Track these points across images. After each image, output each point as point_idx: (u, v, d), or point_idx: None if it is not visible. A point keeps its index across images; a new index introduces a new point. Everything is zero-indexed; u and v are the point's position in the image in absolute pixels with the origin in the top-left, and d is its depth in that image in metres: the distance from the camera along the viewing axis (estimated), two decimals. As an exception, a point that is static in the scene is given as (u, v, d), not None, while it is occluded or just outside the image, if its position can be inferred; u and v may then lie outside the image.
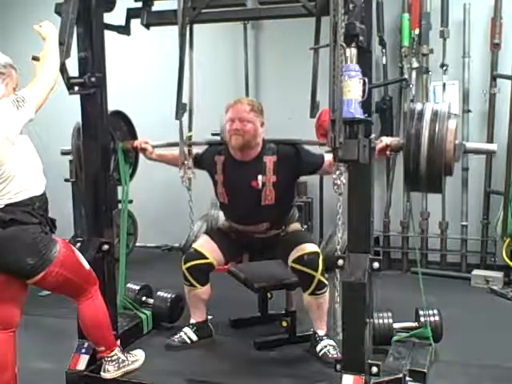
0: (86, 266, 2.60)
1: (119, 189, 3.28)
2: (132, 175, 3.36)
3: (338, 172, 2.34)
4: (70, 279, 2.50)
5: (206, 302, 3.23)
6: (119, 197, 3.33)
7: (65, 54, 2.55)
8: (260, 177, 2.96)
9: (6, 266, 2.37)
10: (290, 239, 3.08)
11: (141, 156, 3.32)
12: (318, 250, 2.99)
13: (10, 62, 2.40)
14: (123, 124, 3.26)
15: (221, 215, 3.87)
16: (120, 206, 3.35)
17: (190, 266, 3.09)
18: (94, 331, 2.69)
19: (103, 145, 2.94)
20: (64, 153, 3.40)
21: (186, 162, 3.06)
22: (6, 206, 2.31)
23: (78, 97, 2.81)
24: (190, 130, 3.10)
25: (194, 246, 3.17)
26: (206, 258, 3.09)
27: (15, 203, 2.31)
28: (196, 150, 3.18)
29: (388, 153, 2.58)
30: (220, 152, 3.11)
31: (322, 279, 2.93)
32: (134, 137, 3.31)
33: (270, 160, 2.99)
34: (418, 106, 2.44)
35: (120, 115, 3.24)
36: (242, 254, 3.37)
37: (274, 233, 3.13)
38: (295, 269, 2.96)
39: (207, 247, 3.13)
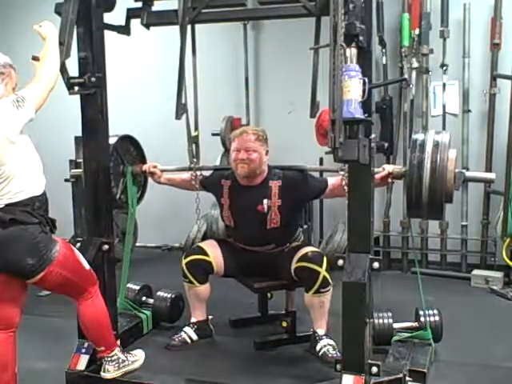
0: (86, 266, 2.60)
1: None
2: (140, 199, 3.38)
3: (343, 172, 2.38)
4: (70, 279, 2.50)
5: (205, 301, 3.23)
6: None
7: (65, 54, 2.55)
8: (266, 201, 3.00)
9: (6, 266, 2.37)
10: (292, 249, 3.10)
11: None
12: (321, 251, 3.06)
13: (10, 61, 2.40)
14: (132, 148, 3.29)
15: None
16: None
17: (190, 260, 3.10)
18: (93, 331, 2.69)
19: (103, 144, 2.94)
20: (73, 176, 3.39)
21: (194, 160, 3.11)
22: (6, 205, 2.30)
23: (78, 96, 2.81)
24: (195, 129, 3.12)
25: (199, 244, 3.19)
26: (207, 256, 3.10)
27: (15, 203, 2.31)
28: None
29: (390, 180, 2.68)
30: (227, 177, 3.14)
31: (327, 276, 2.92)
32: (143, 161, 3.34)
33: (275, 184, 3.03)
34: (420, 137, 2.53)
35: (129, 139, 3.27)
36: (240, 271, 3.22)
37: (278, 250, 3.15)
38: (300, 267, 2.95)
39: (211, 248, 3.15)
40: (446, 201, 2.50)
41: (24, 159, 2.34)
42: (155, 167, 3.22)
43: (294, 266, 2.98)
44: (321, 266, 2.90)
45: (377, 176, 2.60)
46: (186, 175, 3.25)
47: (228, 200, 3.11)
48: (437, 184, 2.43)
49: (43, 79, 2.36)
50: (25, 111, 2.27)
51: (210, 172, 3.28)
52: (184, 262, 3.12)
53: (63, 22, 2.61)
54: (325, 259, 2.93)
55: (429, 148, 2.47)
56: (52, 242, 2.43)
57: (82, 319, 2.67)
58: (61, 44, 2.52)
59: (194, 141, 3.11)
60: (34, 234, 2.35)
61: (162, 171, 3.24)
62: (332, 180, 3.02)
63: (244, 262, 3.16)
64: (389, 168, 2.63)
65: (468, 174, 2.67)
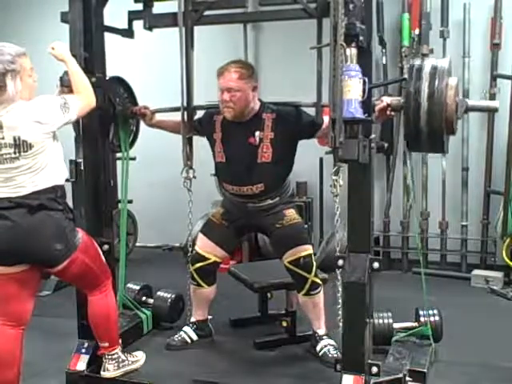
0: (103, 257, 2.68)
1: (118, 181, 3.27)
2: (132, 143, 3.31)
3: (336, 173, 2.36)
4: (91, 268, 2.56)
5: (209, 302, 3.25)
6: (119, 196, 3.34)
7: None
8: (258, 133, 2.90)
9: (34, 255, 2.38)
10: (286, 235, 3.02)
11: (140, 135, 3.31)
12: (312, 252, 3.01)
13: (18, 51, 2.39)
14: (123, 91, 3.18)
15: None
16: (120, 205, 3.35)
17: (198, 267, 3.13)
18: (101, 325, 2.70)
19: (103, 144, 2.94)
20: None
21: (188, 163, 3.07)
22: (31, 193, 2.35)
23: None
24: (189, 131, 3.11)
25: (196, 248, 3.17)
26: (209, 259, 3.11)
27: (40, 190, 2.36)
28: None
29: (389, 113, 2.54)
30: (219, 112, 3.02)
31: (316, 280, 2.97)
32: (135, 104, 3.24)
33: (268, 117, 2.93)
34: (417, 62, 2.42)
35: (119, 81, 3.16)
36: (239, 239, 3.36)
37: (267, 203, 3.02)
38: (290, 269, 2.99)
39: (206, 248, 3.13)
40: (448, 131, 2.36)
41: (55, 151, 2.42)
42: (146, 108, 3.13)
43: (285, 263, 2.98)
44: (309, 273, 2.95)
45: (375, 108, 2.47)
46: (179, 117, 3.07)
47: (220, 133, 3.01)
48: (436, 111, 2.29)
49: (85, 96, 2.53)
50: (68, 115, 2.42)
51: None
52: (192, 268, 3.14)
53: (72, 33, 2.65)
54: (314, 263, 2.97)
55: (426, 73, 2.34)
56: (75, 229, 2.50)
57: (93, 311, 2.69)
58: (74, 56, 2.57)
59: (188, 142, 3.08)
60: (59, 219, 2.41)
61: (154, 112, 3.14)
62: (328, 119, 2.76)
63: (238, 228, 3.15)
64: (387, 100, 2.51)
65: (470, 102, 2.51)
